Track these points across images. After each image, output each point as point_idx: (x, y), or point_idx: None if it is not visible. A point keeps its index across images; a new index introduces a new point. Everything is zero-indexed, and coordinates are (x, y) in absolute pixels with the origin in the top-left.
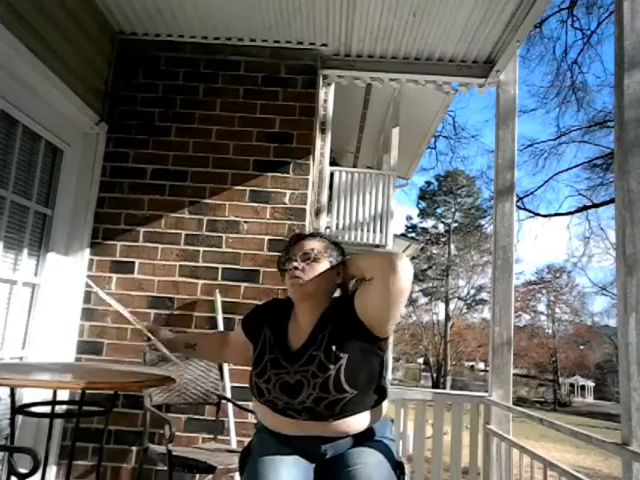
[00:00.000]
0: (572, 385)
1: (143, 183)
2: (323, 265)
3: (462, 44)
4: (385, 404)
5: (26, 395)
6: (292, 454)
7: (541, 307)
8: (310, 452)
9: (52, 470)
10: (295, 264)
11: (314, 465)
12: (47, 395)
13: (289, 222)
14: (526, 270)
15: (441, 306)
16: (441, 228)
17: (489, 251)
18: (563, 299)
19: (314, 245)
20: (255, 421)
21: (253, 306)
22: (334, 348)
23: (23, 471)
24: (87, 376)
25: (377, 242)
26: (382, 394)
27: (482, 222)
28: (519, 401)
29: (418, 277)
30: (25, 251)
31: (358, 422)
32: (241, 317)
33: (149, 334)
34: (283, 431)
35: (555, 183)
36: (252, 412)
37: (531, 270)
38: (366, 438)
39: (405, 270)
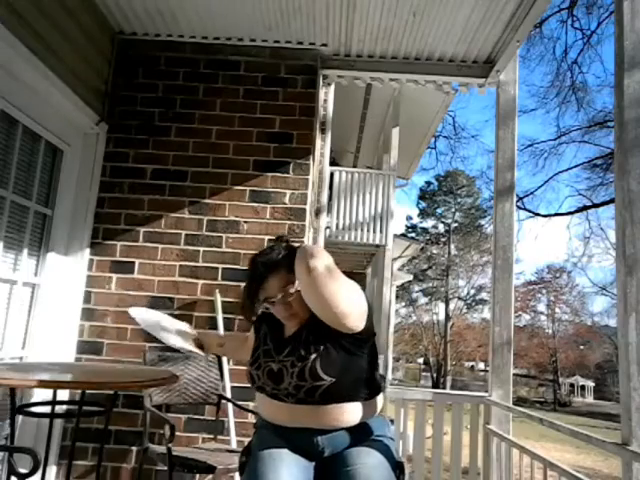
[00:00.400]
0: (572, 385)
1: (143, 183)
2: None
3: (462, 44)
4: (380, 400)
5: (26, 395)
6: (291, 453)
7: (541, 307)
8: (308, 449)
9: (52, 470)
10: (284, 307)
11: (314, 464)
12: (47, 395)
13: (289, 222)
14: (526, 270)
15: (441, 306)
16: (441, 228)
17: (489, 251)
18: (563, 299)
19: (284, 279)
20: (255, 421)
21: None
22: (311, 339)
23: (23, 471)
24: (87, 376)
25: (377, 242)
26: (374, 388)
27: (482, 222)
28: (519, 401)
29: (418, 277)
30: (25, 251)
31: (348, 413)
32: (241, 317)
33: (200, 352)
34: (279, 421)
35: (555, 183)
36: (252, 412)
37: (531, 270)
38: (364, 436)
39: (319, 275)
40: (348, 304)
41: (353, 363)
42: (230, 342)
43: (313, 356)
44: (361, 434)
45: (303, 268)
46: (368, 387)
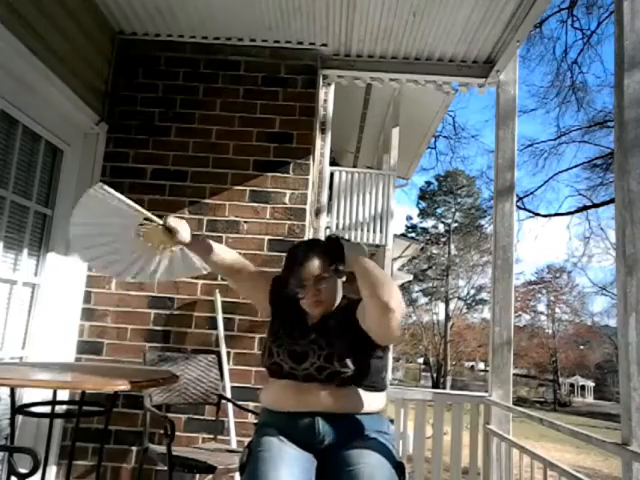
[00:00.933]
0: (572, 385)
1: (143, 183)
2: (332, 280)
3: (462, 44)
4: (383, 398)
5: (26, 395)
6: (292, 452)
7: (541, 307)
8: (308, 439)
9: (52, 470)
10: (314, 291)
11: (315, 464)
12: (47, 395)
13: (289, 222)
14: (526, 270)
15: (441, 306)
16: (441, 228)
17: (489, 251)
18: (563, 299)
19: (320, 268)
20: (255, 421)
21: (253, 306)
22: (340, 330)
23: (23, 471)
24: (87, 376)
25: (377, 242)
26: (382, 385)
27: (482, 222)
28: (519, 401)
29: (418, 277)
30: (25, 251)
31: (357, 399)
32: (241, 317)
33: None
34: (284, 405)
35: (555, 183)
36: (252, 412)
37: (531, 270)
38: (363, 431)
39: (397, 316)
40: (399, 329)
41: (373, 358)
42: (222, 259)
43: (342, 344)
44: (361, 428)
45: (381, 305)
46: (379, 382)
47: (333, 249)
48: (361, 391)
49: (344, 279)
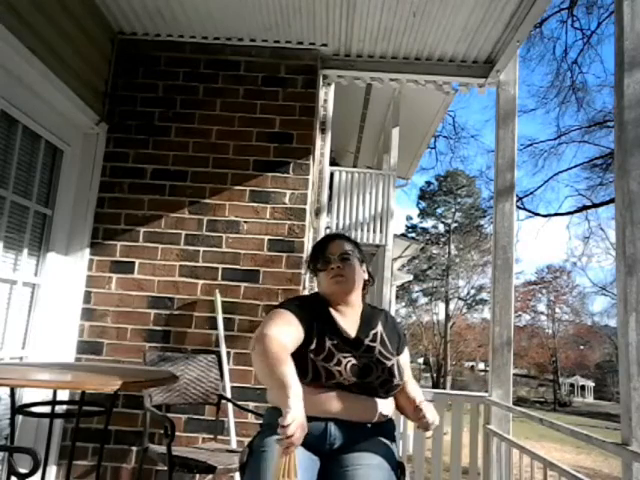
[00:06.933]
0: (572, 385)
1: (143, 183)
2: (356, 263)
3: (462, 44)
4: (393, 404)
5: (26, 395)
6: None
7: (541, 307)
8: (318, 444)
9: (52, 470)
10: (338, 264)
11: (318, 464)
12: (47, 395)
13: (289, 222)
14: (526, 270)
15: (441, 306)
16: (441, 228)
17: (489, 251)
18: (563, 299)
19: (347, 246)
20: (255, 421)
21: (253, 306)
22: (390, 346)
23: (23, 471)
24: (87, 376)
25: (377, 242)
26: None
27: (482, 222)
28: (519, 401)
29: (418, 277)
30: (25, 251)
31: (377, 409)
32: (241, 317)
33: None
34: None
35: (555, 183)
36: (252, 412)
37: (531, 270)
38: (368, 433)
39: None
40: None
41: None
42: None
43: (395, 358)
44: (370, 434)
45: None
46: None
47: (358, 244)
48: (383, 400)
49: (365, 276)
